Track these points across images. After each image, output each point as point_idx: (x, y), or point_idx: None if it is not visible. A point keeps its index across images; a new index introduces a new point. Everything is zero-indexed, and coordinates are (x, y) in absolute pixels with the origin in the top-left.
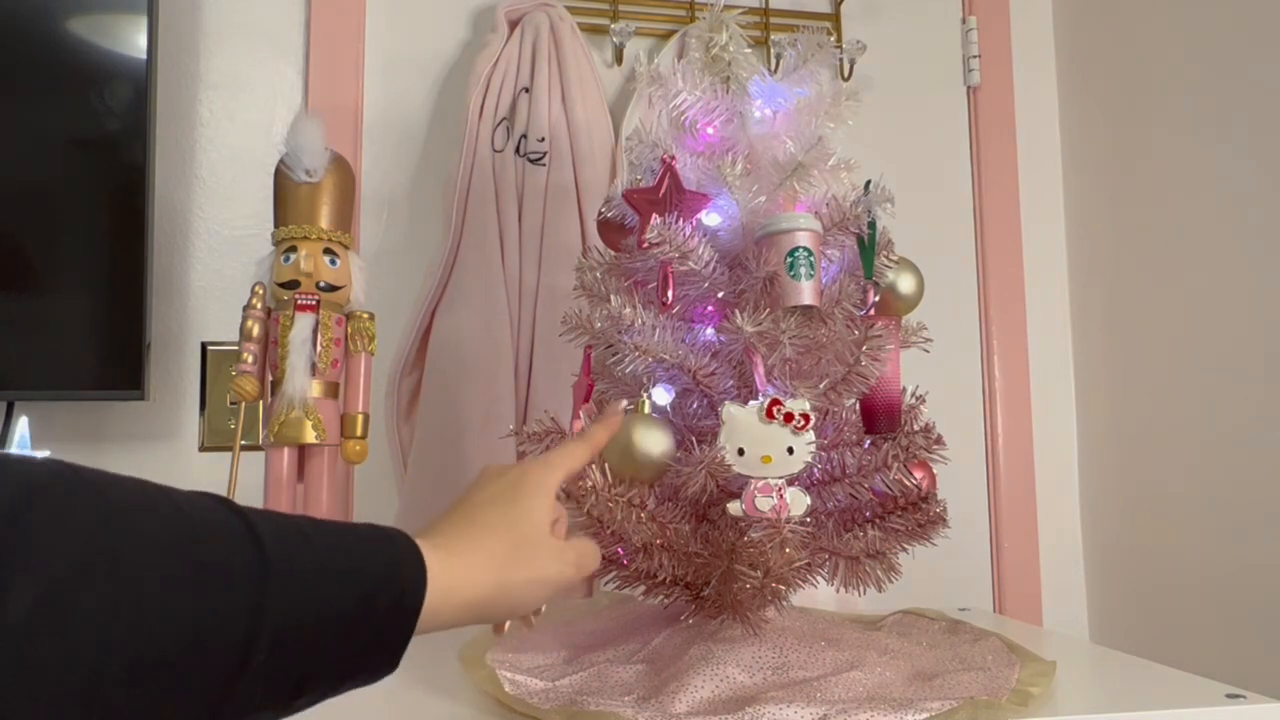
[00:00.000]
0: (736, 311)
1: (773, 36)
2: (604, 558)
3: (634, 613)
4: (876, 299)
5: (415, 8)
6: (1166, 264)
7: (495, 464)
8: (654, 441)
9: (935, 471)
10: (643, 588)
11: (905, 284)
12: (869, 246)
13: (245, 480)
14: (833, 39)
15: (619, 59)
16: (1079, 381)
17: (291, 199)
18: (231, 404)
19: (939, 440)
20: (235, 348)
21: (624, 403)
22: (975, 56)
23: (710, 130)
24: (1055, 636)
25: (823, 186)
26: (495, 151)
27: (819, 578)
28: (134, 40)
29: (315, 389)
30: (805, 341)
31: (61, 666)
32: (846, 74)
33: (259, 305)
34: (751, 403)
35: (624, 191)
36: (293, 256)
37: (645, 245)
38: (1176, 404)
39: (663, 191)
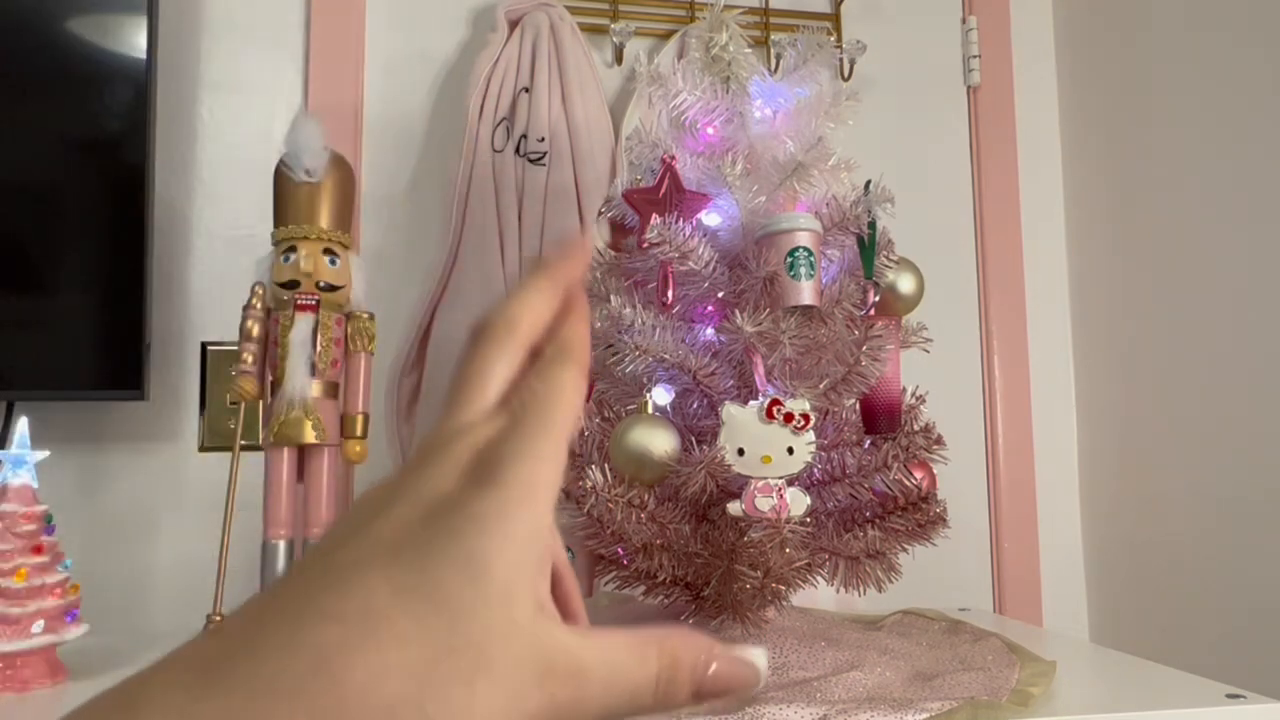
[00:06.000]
0: (736, 311)
1: (773, 36)
2: (604, 557)
3: (634, 613)
4: (876, 299)
5: (415, 8)
6: (1167, 264)
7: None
8: (659, 441)
9: (935, 471)
10: (643, 588)
11: (905, 284)
12: (869, 246)
13: (245, 480)
14: (833, 39)
15: (619, 59)
16: (1079, 381)
17: (291, 199)
18: (231, 404)
19: (939, 440)
20: (235, 348)
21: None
22: (975, 56)
23: (710, 130)
24: (1055, 636)
25: (823, 186)
26: (495, 151)
27: (819, 578)
28: (134, 40)
29: (315, 389)
30: (805, 341)
31: None
32: (846, 74)
33: (259, 305)
34: (751, 403)
35: (624, 191)
36: (292, 256)
37: (645, 245)
38: (1177, 404)
39: (663, 191)
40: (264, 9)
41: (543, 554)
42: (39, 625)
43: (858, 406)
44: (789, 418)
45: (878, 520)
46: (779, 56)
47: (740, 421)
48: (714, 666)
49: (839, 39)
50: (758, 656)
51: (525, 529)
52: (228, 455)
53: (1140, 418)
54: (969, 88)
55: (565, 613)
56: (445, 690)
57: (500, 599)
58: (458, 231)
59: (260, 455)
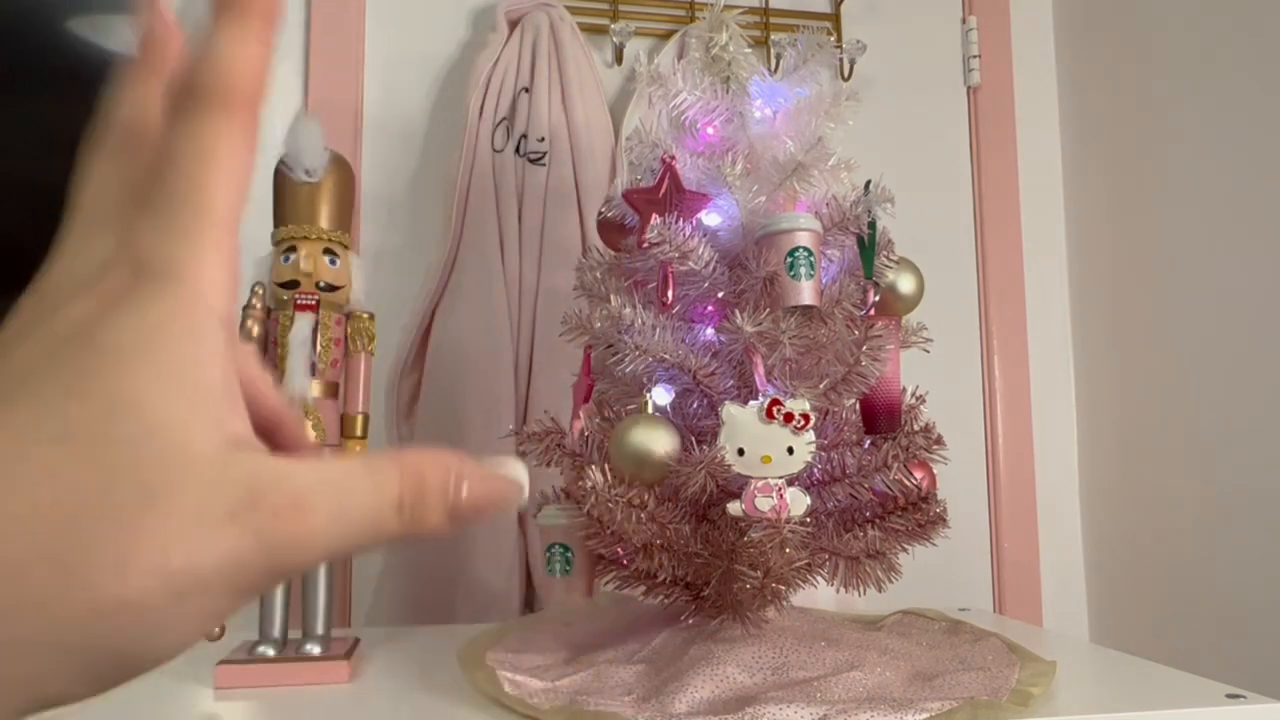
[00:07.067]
0: (736, 311)
1: (773, 36)
2: (604, 557)
3: (634, 613)
4: (876, 299)
5: (415, 8)
6: (1167, 264)
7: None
8: (659, 441)
9: (935, 471)
10: (643, 588)
11: (905, 284)
12: (869, 246)
13: None
14: (833, 39)
15: (619, 59)
16: (1079, 381)
17: (291, 199)
18: None
19: (939, 440)
20: None
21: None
22: (975, 56)
23: (710, 130)
24: (1055, 636)
25: (823, 186)
26: (495, 151)
27: (819, 578)
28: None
29: (315, 389)
30: (805, 341)
31: None
32: (846, 74)
33: (259, 305)
34: (751, 403)
35: (624, 191)
36: (292, 256)
37: (645, 245)
38: (1177, 404)
39: (663, 191)
40: None
41: (221, 381)
42: None
43: (858, 406)
44: (789, 418)
45: (878, 520)
46: (779, 56)
47: (740, 421)
48: (467, 485)
49: (839, 39)
50: (516, 469)
51: (180, 358)
52: None
53: (1140, 418)
54: (969, 88)
55: (289, 452)
56: (91, 536)
57: (165, 432)
58: (458, 231)
59: None
